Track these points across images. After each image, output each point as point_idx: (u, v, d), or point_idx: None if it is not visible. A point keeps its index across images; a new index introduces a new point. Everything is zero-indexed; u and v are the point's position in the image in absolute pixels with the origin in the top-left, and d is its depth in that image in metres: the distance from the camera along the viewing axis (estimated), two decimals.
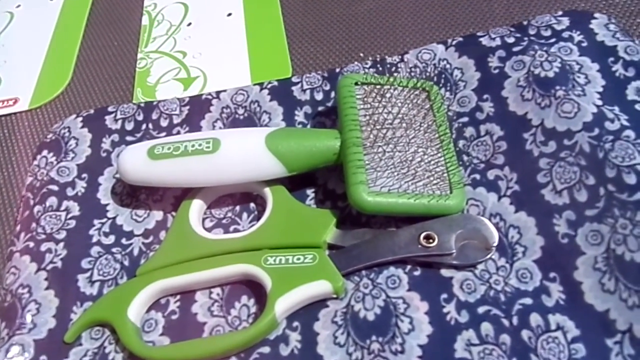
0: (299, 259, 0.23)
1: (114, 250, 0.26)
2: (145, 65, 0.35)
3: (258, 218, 0.26)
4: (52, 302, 0.25)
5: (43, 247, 0.26)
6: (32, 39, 0.39)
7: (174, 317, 0.24)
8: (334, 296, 0.23)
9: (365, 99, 0.26)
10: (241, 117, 0.30)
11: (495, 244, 0.23)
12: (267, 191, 0.26)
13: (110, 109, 0.31)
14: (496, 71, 0.28)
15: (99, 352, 0.23)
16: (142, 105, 0.31)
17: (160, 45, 0.37)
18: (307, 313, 0.23)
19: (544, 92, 0.26)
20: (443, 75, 0.29)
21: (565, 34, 0.28)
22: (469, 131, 0.27)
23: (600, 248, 0.22)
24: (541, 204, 0.24)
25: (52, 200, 0.28)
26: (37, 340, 0.24)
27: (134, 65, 0.36)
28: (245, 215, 0.27)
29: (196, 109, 0.31)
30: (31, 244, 0.26)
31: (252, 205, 0.27)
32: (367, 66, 0.30)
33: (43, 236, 0.27)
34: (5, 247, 0.28)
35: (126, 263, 0.26)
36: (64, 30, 0.39)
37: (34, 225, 0.27)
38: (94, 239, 0.27)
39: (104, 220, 0.27)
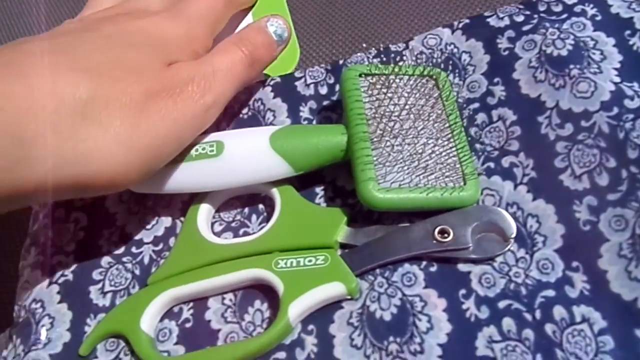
0: (310, 260, 0.23)
1: (124, 259, 0.26)
2: None
3: (267, 219, 0.26)
4: (66, 316, 0.25)
5: (54, 260, 0.26)
6: None
7: (187, 325, 0.24)
8: (349, 297, 0.22)
9: (371, 91, 0.25)
10: (245, 116, 0.29)
11: (513, 235, 0.22)
12: (275, 192, 0.25)
13: None
14: (506, 53, 0.26)
15: None
16: None
17: None
18: (322, 315, 0.23)
19: (558, 72, 0.25)
20: (451, 61, 0.27)
21: (578, 8, 0.27)
22: (481, 117, 0.26)
23: (625, 234, 0.21)
24: (560, 190, 0.23)
25: (60, 212, 0.28)
26: (52, 354, 0.24)
27: None
28: (254, 217, 0.26)
29: None
30: (42, 258, 0.26)
31: (260, 206, 0.27)
32: (372, 56, 0.29)
33: (53, 249, 0.27)
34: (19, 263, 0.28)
35: (137, 272, 0.26)
36: None
37: (43, 238, 0.27)
38: (104, 249, 0.26)
39: (113, 229, 0.27)
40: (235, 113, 0.29)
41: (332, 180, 0.26)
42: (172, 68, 0.23)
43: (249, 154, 0.24)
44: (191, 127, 0.23)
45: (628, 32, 0.25)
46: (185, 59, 0.24)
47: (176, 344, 0.23)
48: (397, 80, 0.25)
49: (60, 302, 0.25)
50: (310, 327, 0.22)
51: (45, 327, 0.24)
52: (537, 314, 0.21)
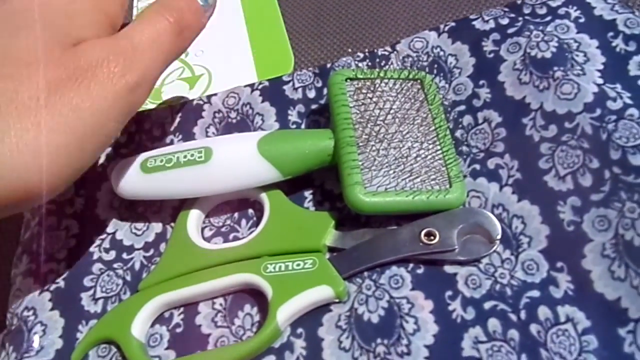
0: (298, 264, 0.23)
1: (115, 266, 0.26)
2: None
3: (257, 224, 0.26)
4: (58, 323, 0.25)
5: (45, 268, 0.26)
6: None
7: (178, 330, 0.24)
8: (337, 300, 0.23)
9: (357, 96, 0.25)
10: (234, 120, 0.29)
11: (498, 237, 0.22)
12: (264, 196, 0.25)
13: None
14: (491, 55, 0.27)
15: None
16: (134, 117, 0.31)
17: None
18: (311, 319, 0.23)
19: (542, 74, 0.25)
20: (437, 64, 0.28)
21: (562, 11, 0.27)
22: (467, 120, 0.26)
23: (608, 234, 0.21)
24: (544, 191, 0.23)
25: (51, 220, 0.28)
26: None
27: None
28: (244, 221, 0.26)
29: (188, 116, 0.30)
30: (33, 266, 0.26)
31: (250, 211, 0.27)
32: (359, 59, 0.29)
33: (45, 257, 0.27)
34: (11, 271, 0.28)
35: (128, 278, 0.26)
36: None
37: (35, 246, 0.27)
38: (95, 256, 0.27)
39: (104, 236, 0.27)
40: (224, 117, 0.29)
41: (320, 184, 0.26)
42: (79, 49, 0.19)
43: (237, 160, 0.25)
44: (116, 112, 0.20)
45: (611, 33, 0.26)
46: (96, 35, 0.20)
47: (167, 349, 0.24)
48: (383, 85, 0.25)
49: (52, 309, 0.25)
50: (299, 330, 0.23)
51: (37, 335, 0.25)
52: (522, 315, 0.21)
